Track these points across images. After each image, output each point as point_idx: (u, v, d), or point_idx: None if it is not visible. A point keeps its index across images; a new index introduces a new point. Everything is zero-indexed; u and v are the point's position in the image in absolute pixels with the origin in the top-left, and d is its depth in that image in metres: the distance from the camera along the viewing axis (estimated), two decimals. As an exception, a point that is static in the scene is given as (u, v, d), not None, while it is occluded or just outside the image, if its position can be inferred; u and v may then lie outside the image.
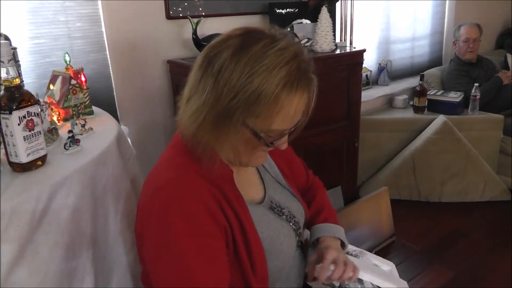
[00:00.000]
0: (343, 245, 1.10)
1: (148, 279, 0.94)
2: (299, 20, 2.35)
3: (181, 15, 2.14)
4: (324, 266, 0.97)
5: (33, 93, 1.01)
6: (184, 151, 0.89)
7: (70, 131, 1.10)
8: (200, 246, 0.82)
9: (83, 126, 1.23)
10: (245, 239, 0.89)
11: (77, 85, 1.40)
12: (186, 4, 2.14)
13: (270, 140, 0.85)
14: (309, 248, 1.12)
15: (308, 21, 2.35)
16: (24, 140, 0.95)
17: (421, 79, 2.97)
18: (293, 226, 1.03)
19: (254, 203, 0.99)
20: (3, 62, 0.92)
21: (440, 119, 2.75)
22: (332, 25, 2.25)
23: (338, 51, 2.33)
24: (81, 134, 1.19)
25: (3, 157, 0.98)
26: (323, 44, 2.23)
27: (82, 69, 1.46)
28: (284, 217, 1.02)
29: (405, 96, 3.20)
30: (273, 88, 0.78)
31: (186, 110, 0.85)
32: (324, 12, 2.23)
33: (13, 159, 0.96)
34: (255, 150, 0.89)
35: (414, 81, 3.29)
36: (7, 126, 0.93)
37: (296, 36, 2.22)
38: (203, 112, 0.81)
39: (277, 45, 0.80)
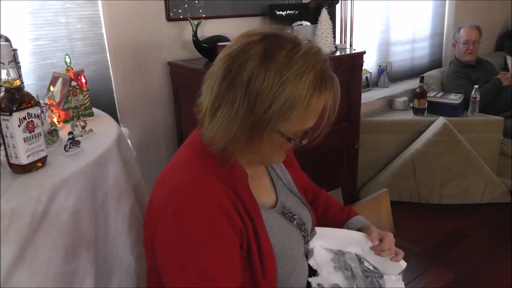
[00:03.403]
0: None
1: (156, 279, 0.95)
2: (299, 22, 2.35)
3: (181, 16, 2.14)
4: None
5: (34, 94, 1.01)
6: (202, 152, 0.89)
7: (70, 133, 1.10)
8: (216, 247, 0.82)
9: (83, 127, 1.23)
10: (257, 242, 0.89)
11: (77, 87, 1.40)
12: (186, 5, 2.14)
13: (299, 140, 0.88)
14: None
15: (308, 23, 2.35)
16: (24, 142, 0.95)
17: (421, 81, 2.97)
18: (303, 233, 1.04)
19: (266, 207, 0.99)
20: (3, 63, 0.92)
21: (440, 121, 2.75)
22: (332, 27, 2.26)
23: (338, 53, 2.33)
24: (81, 136, 1.19)
25: (3, 159, 0.98)
26: (323, 46, 2.23)
27: (82, 71, 1.46)
28: (295, 223, 1.03)
29: (405, 98, 3.20)
30: (304, 93, 0.80)
31: (214, 122, 0.84)
32: (324, 14, 2.23)
33: (13, 160, 0.96)
34: (282, 150, 0.92)
35: (414, 83, 3.30)
36: (7, 127, 0.93)
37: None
38: (236, 124, 0.81)
39: (301, 50, 0.82)
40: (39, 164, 0.99)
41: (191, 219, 0.81)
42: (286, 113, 0.80)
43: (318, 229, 1.09)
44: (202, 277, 0.80)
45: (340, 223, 1.19)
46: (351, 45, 2.83)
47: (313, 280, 1.03)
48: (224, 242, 0.83)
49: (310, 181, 1.28)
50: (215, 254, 0.81)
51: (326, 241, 1.10)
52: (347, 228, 1.17)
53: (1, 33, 1.42)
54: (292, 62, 0.80)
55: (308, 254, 1.08)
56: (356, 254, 1.12)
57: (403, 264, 1.11)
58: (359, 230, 1.14)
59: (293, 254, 0.98)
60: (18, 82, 0.95)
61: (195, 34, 2.07)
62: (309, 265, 1.06)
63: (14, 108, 0.92)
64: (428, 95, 2.98)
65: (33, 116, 0.96)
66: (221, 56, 0.86)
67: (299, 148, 0.92)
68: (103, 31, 1.95)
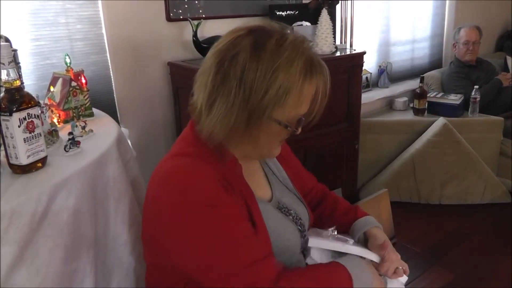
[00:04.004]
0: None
1: (155, 279, 0.95)
2: (299, 22, 2.36)
3: (181, 17, 2.14)
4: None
5: (34, 95, 1.01)
6: (196, 145, 0.89)
7: (70, 133, 1.10)
8: (231, 215, 0.84)
9: (83, 128, 1.23)
10: (254, 232, 0.90)
11: (77, 87, 1.40)
12: (186, 6, 2.15)
13: (296, 126, 0.90)
14: (355, 236, 1.15)
15: (308, 23, 2.35)
16: (24, 142, 0.95)
17: (421, 81, 2.97)
18: (299, 227, 1.04)
19: (262, 201, 0.99)
20: (3, 64, 0.92)
21: (440, 121, 2.75)
22: (332, 27, 2.26)
23: (338, 53, 2.34)
24: (81, 136, 1.19)
25: (3, 159, 0.98)
26: (323, 46, 2.23)
27: (82, 71, 1.46)
28: (291, 217, 1.03)
29: (405, 98, 3.20)
30: (297, 78, 0.83)
31: (212, 116, 0.85)
32: (324, 14, 2.23)
33: (13, 161, 0.96)
34: (278, 140, 0.93)
35: (414, 83, 3.29)
36: (7, 127, 0.93)
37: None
38: (233, 114, 0.82)
39: (288, 38, 0.85)
40: (39, 164, 0.99)
41: (195, 196, 0.81)
42: (281, 99, 0.82)
43: (311, 242, 1.06)
44: (231, 243, 0.82)
45: (346, 226, 1.18)
46: (351, 46, 2.83)
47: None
48: (234, 210, 0.85)
49: (315, 181, 1.27)
50: (231, 220, 0.83)
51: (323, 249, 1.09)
52: (353, 231, 1.15)
53: (1, 33, 1.42)
54: (282, 50, 0.82)
55: (305, 253, 1.07)
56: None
57: (403, 279, 1.10)
58: (364, 234, 1.13)
59: (289, 245, 0.98)
60: (18, 83, 0.95)
61: (195, 35, 2.07)
62: (307, 264, 1.06)
63: (14, 109, 0.92)
64: (428, 95, 2.98)
65: (33, 116, 0.96)
66: (211, 53, 0.88)
67: (296, 138, 0.93)
68: (103, 31, 1.95)
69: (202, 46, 2.08)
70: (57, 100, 1.39)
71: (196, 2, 2.17)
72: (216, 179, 0.84)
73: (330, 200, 1.24)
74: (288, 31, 0.88)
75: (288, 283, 0.85)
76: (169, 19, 2.12)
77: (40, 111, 1.02)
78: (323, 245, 1.07)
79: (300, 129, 0.92)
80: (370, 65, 3.14)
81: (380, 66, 3.24)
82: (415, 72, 3.51)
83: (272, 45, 0.82)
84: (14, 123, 0.92)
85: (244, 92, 0.81)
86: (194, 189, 0.82)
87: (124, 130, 1.82)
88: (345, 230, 1.18)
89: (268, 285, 0.82)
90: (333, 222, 1.19)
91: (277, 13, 2.37)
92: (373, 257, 1.07)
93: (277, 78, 0.81)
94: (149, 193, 0.91)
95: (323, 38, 2.24)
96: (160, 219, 0.85)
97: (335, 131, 2.34)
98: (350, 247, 1.08)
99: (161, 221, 0.85)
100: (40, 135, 0.99)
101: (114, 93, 2.05)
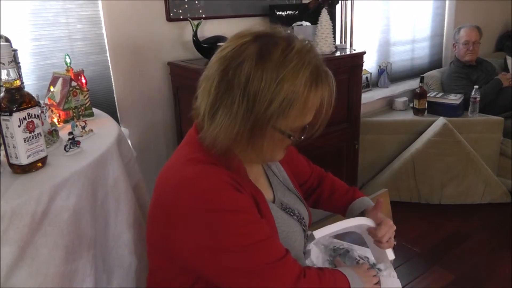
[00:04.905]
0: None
1: (157, 280, 0.95)
2: (299, 22, 2.35)
3: (181, 17, 2.14)
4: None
5: (34, 94, 1.01)
6: (203, 149, 0.89)
7: (70, 133, 1.10)
8: (252, 218, 0.85)
9: (83, 128, 1.23)
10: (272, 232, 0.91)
11: (77, 87, 1.40)
12: (186, 6, 2.15)
13: (299, 135, 0.89)
14: (353, 215, 1.18)
15: (308, 23, 2.35)
16: (25, 142, 0.95)
17: (421, 81, 2.97)
18: (303, 227, 1.05)
19: (268, 201, 1.00)
20: (3, 63, 0.92)
21: (440, 121, 2.75)
22: (332, 27, 2.26)
23: (338, 53, 2.33)
24: (81, 136, 1.20)
25: (3, 159, 0.98)
26: (323, 46, 2.24)
27: (82, 71, 1.46)
28: (295, 217, 1.04)
29: (405, 98, 3.20)
30: (302, 90, 0.81)
31: (215, 125, 0.84)
32: (324, 14, 2.23)
33: (13, 160, 0.96)
34: (281, 147, 0.93)
35: (414, 83, 3.30)
36: (7, 127, 0.93)
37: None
38: (237, 124, 0.82)
39: (294, 47, 0.83)
40: (39, 164, 0.99)
41: (217, 203, 0.81)
42: (285, 110, 0.81)
43: (316, 233, 1.08)
44: (254, 246, 0.83)
45: (344, 205, 1.21)
46: (351, 46, 2.83)
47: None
48: (254, 213, 0.86)
49: (311, 165, 1.28)
50: (253, 223, 0.84)
51: (325, 236, 1.11)
52: (351, 210, 1.18)
53: (1, 33, 1.42)
54: (288, 61, 0.81)
55: (305, 254, 1.08)
56: (354, 257, 1.14)
57: (390, 255, 1.13)
58: (362, 212, 1.15)
59: (296, 245, 0.99)
60: (18, 83, 0.95)
61: (195, 35, 2.07)
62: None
63: (14, 109, 0.92)
64: (428, 95, 2.98)
65: (33, 116, 0.96)
66: (216, 59, 0.86)
67: (299, 144, 0.93)
68: (103, 31, 1.95)
69: (202, 46, 2.08)
70: (57, 100, 1.39)
71: (196, 2, 2.17)
72: (230, 184, 0.84)
73: (328, 183, 1.26)
74: (295, 38, 0.86)
75: (308, 283, 0.87)
76: (169, 19, 2.12)
77: (40, 111, 1.02)
78: (328, 230, 1.08)
79: (303, 137, 0.91)
80: (370, 65, 3.14)
81: (380, 66, 3.24)
82: (415, 72, 3.52)
83: (277, 55, 0.81)
84: (14, 123, 0.92)
85: (247, 102, 0.80)
86: (215, 196, 0.82)
87: (124, 130, 1.82)
88: (343, 210, 1.21)
89: (290, 284, 0.84)
90: (332, 203, 1.23)
91: (277, 13, 2.37)
92: (370, 222, 1.11)
93: (282, 89, 0.80)
94: (159, 199, 0.89)
95: (323, 38, 2.24)
96: (179, 224, 0.83)
97: (335, 131, 2.34)
98: (348, 220, 1.11)
99: (181, 227, 0.83)
100: (40, 135, 0.99)
101: (114, 93, 2.05)
